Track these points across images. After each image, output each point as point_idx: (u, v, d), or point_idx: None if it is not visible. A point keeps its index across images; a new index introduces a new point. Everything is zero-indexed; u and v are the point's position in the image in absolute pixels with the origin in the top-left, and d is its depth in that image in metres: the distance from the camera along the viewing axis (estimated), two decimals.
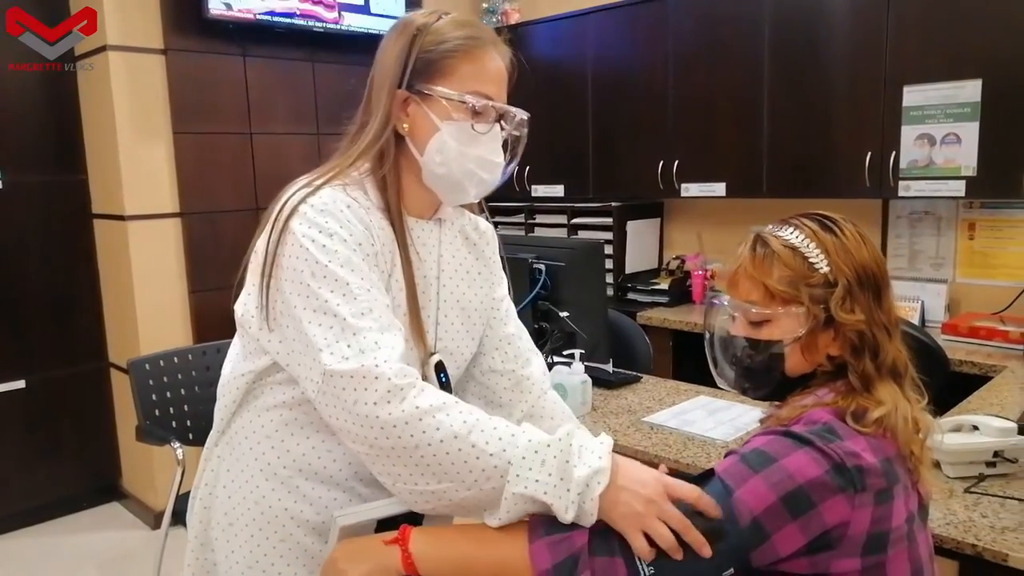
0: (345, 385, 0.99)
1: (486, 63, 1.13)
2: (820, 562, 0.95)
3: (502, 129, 1.17)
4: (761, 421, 1.15)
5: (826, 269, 1.04)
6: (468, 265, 1.29)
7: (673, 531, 0.90)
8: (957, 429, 1.62)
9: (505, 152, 1.18)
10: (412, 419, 0.97)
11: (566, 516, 0.93)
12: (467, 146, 1.12)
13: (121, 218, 3.24)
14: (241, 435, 1.19)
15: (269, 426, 1.16)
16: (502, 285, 1.36)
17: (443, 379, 1.21)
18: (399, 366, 1.00)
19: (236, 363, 1.19)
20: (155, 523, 3.40)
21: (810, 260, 1.04)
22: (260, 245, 1.11)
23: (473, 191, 1.17)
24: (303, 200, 1.08)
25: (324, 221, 1.06)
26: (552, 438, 0.97)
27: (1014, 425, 1.59)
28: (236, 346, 1.21)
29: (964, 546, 1.33)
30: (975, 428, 1.60)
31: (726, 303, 1.12)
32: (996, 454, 1.56)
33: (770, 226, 1.10)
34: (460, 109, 1.11)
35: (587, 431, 1.00)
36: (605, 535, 0.93)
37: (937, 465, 1.57)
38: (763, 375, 1.09)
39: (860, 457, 0.95)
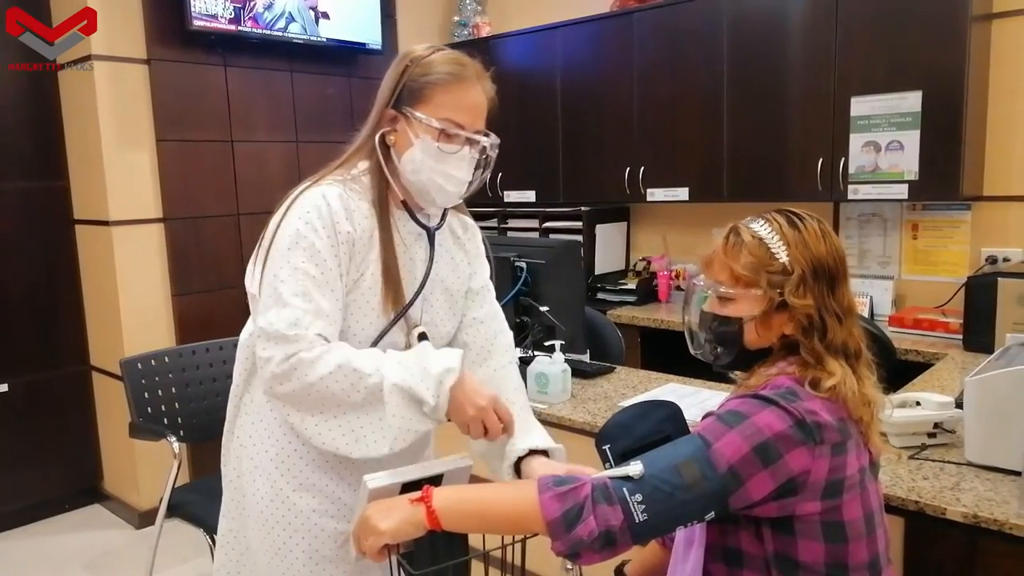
0: (264, 344, 1.26)
1: (461, 96, 1.35)
2: (787, 506, 1.11)
3: (472, 149, 1.37)
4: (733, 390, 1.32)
5: (785, 259, 1.20)
6: (453, 253, 1.52)
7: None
8: (902, 405, 1.79)
9: (478, 168, 1.40)
10: (302, 364, 1.24)
11: (429, 400, 1.23)
12: (435, 161, 1.34)
13: (105, 223, 3.30)
14: (258, 392, 1.41)
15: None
16: (480, 275, 1.58)
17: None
18: (310, 334, 1.25)
19: (248, 326, 1.44)
20: (139, 523, 3.45)
21: (772, 250, 1.21)
22: (269, 227, 1.35)
23: (438, 199, 1.39)
24: (301, 193, 1.34)
25: (307, 212, 1.30)
26: (411, 350, 1.31)
27: (952, 400, 1.77)
28: (250, 321, 1.44)
29: (908, 503, 1.50)
30: (918, 403, 1.78)
31: (701, 282, 1.29)
32: (936, 426, 1.73)
33: (748, 219, 1.27)
34: (431, 131, 1.33)
35: (445, 350, 1.31)
36: (604, 487, 1.08)
37: (884, 437, 1.75)
38: (727, 346, 1.26)
39: (818, 415, 1.12)
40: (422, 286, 1.41)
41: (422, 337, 1.40)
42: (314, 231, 1.29)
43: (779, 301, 1.19)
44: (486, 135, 1.39)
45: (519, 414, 1.40)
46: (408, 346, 1.40)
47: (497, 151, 1.41)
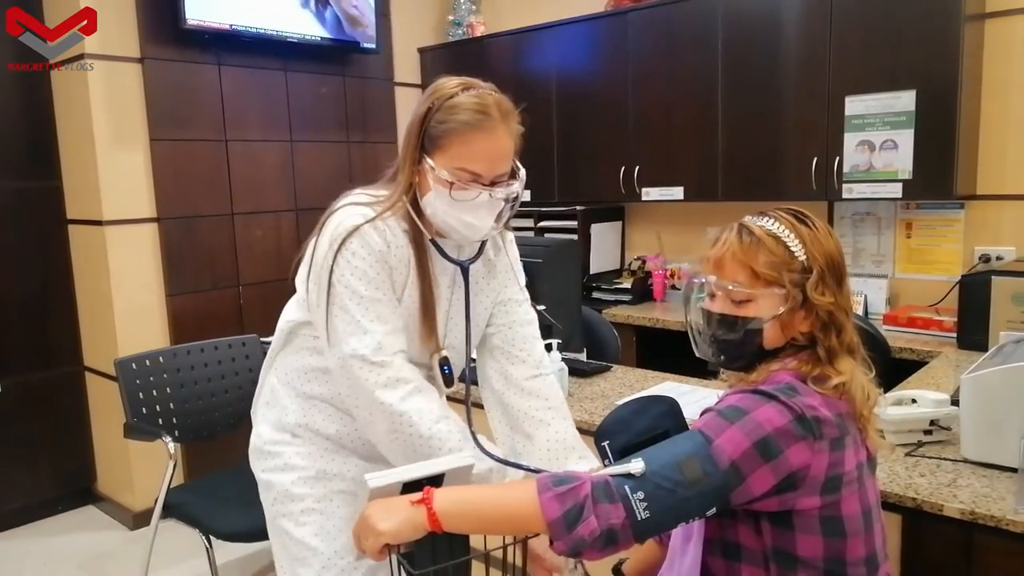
0: (359, 367, 1.34)
1: (478, 146, 1.33)
2: (787, 500, 1.11)
3: (493, 194, 1.36)
4: (730, 385, 1.31)
5: (803, 257, 1.19)
6: (481, 280, 1.54)
7: None
8: (898, 402, 1.79)
9: (507, 202, 1.41)
10: (397, 414, 1.34)
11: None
12: (449, 207, 1.36)
13: (99, 223, 3.28)
14: (283, 368, 1.56)
15: (298, 360, 1.53)
16: (508, 288, 1.59)
17: (446, 371, 1.51)
18: (402, 361, 1.36)
19: (287, 311, 1.55)
20: (133, 524, 3.44)
21: (791, 248, 1.20)
22: (311, 248, 1.43)
23: (457, 238, 1.42)
24: (358, 228, 1.36)
25: (360, 247, 1.36)
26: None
27: (947, 397, 1.78)
28: (292, 301, 1.55)
29: (905, 500, 1.50)
30: (914, 401, 1.78)
31: (712, 282, 1.25)
32: (932, 423, 1.73)
33: (749, 217, 1.25)
34: (441, 181, 1.34)
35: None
36: (605, 485, 1.08)
37: (881, 434, 1.75)
38: (741, 348, 1.23)
39: (817, 410, 1.12)
40: (468, 327, 1.49)
41: (443, 361, 1.48)
42: (369, 265, 1.36)
43: (801, 299, 1.19)
44: (511, 176, 1.39)
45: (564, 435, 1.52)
46: (430, 367, 1.48)
47: (522, 188, 1.41)
